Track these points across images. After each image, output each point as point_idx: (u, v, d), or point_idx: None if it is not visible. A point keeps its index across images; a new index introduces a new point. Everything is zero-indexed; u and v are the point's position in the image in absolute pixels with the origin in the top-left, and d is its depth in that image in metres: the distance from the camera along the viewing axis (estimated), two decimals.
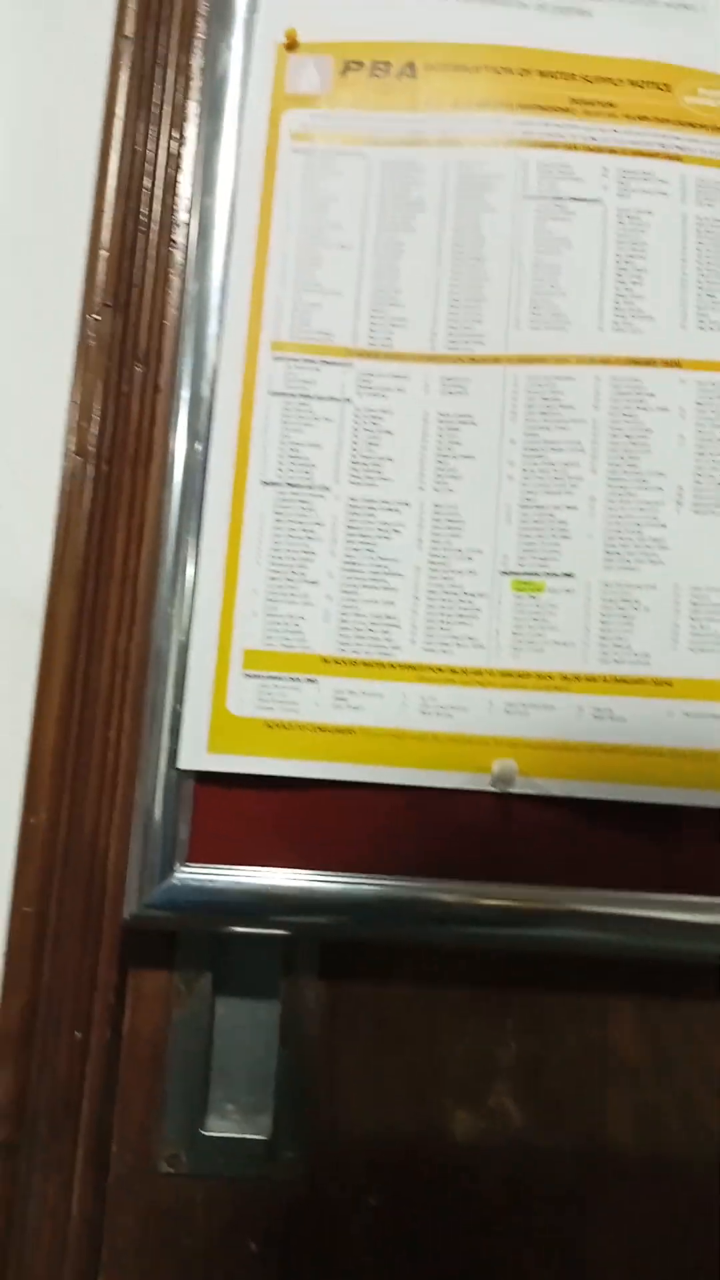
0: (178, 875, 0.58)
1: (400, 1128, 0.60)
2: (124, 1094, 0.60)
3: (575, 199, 0.65)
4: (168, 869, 0.58)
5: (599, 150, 0.65)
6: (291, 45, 0.66)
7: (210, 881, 0.58)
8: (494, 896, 0.59)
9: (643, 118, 0.65)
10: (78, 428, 0.65)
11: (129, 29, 0.69)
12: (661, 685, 0.60)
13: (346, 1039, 0.60)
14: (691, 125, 0.65)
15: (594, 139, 0.65)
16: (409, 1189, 0.59)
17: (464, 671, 0.60)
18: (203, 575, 0.61)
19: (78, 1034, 0.59)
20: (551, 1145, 0.59)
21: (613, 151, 0.65)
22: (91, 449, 0.65)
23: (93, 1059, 0.59)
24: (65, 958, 0.60)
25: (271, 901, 0.58)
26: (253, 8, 0.67)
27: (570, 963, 0.61)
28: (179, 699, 0.60)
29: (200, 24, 0.69)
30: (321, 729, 0.60)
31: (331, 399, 0.63)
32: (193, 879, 0.58)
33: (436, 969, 0.61)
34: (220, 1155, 0.59)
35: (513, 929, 0.59)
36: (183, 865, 0.59)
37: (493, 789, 0.59)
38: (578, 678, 0.60)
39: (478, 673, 0.60)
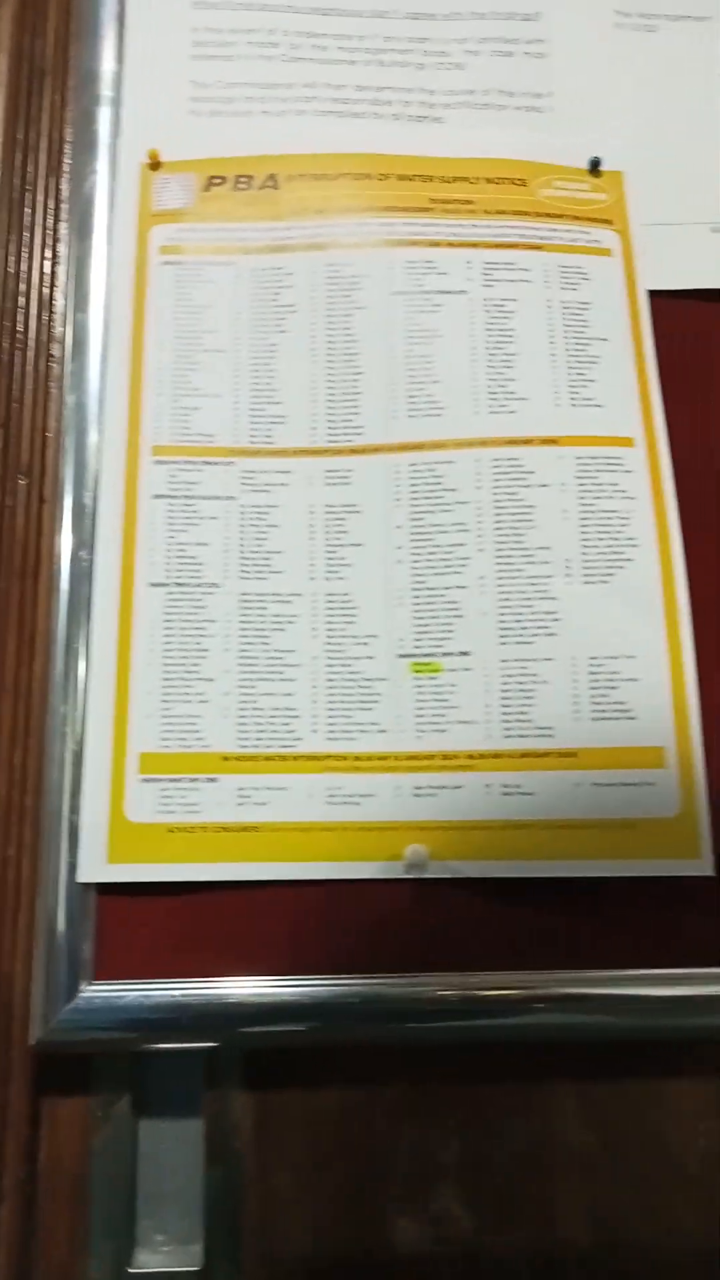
0: (84, 994, 0.56)
1: (341, 1243, 0.57)
2: (44, 1231, 0.56)
3: (441, 292, 0.67)
4: (74, 989, 0.56)
5: (461, 245, 0.68)
6: (155, 165, 0.69)
7: (119, 998, 0.56)
8: (420, 988, 0.57)
9: (501, 212, 0.68)
10: None
11: None
12: (567, 757, 0.60)
13: (278, 1153, 0.58)
14: (549, 215, 0.68)
15: (456, 235, 0.68)
16: None
17: (369, 758, 0.60)
18: (93, 681, 0.60)
19: None
20: (503, 1247, 0.57)
21: (474, 245, 0.68)
22: None
23: (7, 1197, 0.56)
24: None
25: (185, 1014, 0.56)
26: (115, 132, 0.69)
27: (508, 1051, 0.59)
28: (75, 810, 0.58)
29: (67, 150, 0.71)
30: (226, 829, 0.58)
31: (216, 498, 0.63)
32: (100, 997, 0.56)
33: (368, 1070, 0.59)
34: None
35: (442, 1021, 0.57)
36: (89, 983, 0.56)
37: (407, 876, 0.58)
38: (483, 755, 0.60)
39: (383, 758, 0.60)
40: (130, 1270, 0.56)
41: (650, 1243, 0.57)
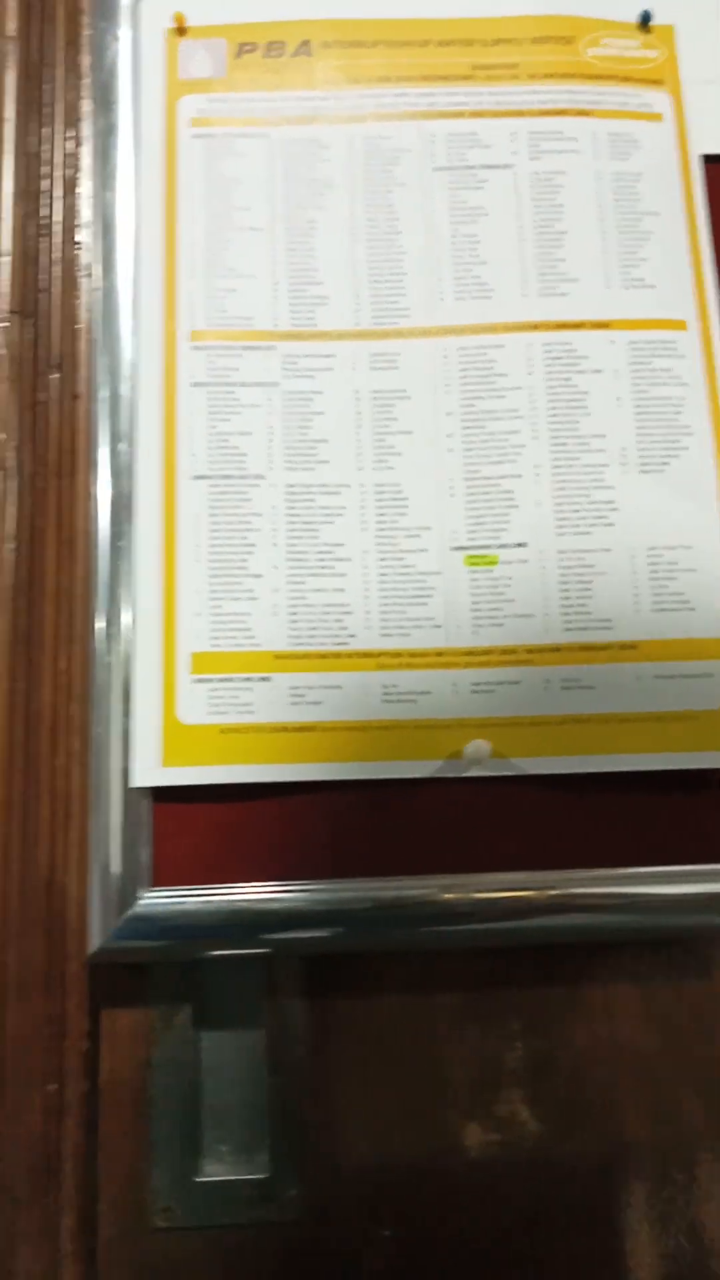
0: (142, 902, 0.54)
1: (407, 1149, 0.56)
2: (107, 1147, 0.55)
3: (486, 166, 0.63)
4: (131, 897, 0.54)
5: (505, 114, 0.64)
6: (181, 30, 0.64)
7: (178, 905, 0.54)
8: (483, 889, 0.55)
9: (548, 75, 0.64)
10: None
11: (11, 28, 0.66)
12: (628, 649, 0.58)
13: (340, 1059, 0.56)
14: (597, 77, 0.64)
15: (499, 103, 0.64)
16: (423, 1214, 0.55)
17: (424, 654, 0.57)
18: (139, 580, 0.57)
19: (51, 1087, 0.55)
20: (569, 1152, 0.56)
21: (519, 114, 0.64)
22: (12, 463, 0.61)
23: (70, 1112, 0.55)
24: (30, 1006, 0.55)
25: (246, 919, 0.54)
26: None
27: (568, 952, 0.58)
28: (127, 714, 0.56)
29: (85, 18, 0.67)
30: (280, 729, 0.56)
31: (257, 384, 0.60)
32: (159, 904, 0.54)
33: (428, 973, 0.57)
34: (216, 1202, 0.55)
35: (505, 922, 0.56)
36: (147, 891, 0.54)
37: (467, 774, 0.56)
38: (542, 649, 0.58)
39: (439, 654, 0.57)
40: (196, 1179, 0.55)
41: (716, 1142, 0.56)
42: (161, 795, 0.56)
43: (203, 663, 0.57)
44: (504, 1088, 0.56)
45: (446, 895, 0.55)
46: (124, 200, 0.62)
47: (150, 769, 0.55)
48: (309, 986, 0.57)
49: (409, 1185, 0.55)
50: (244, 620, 0.57)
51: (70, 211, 0.65)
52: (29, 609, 0.60)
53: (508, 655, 0.58)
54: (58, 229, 0.64)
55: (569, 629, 0.58)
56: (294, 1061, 0.56)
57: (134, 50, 0.64)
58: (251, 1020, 0.57)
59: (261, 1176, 0.55)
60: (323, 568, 0.58)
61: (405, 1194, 0.55)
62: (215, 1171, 0.55)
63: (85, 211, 0.65)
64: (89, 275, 0.64)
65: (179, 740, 0.56)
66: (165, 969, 0.56)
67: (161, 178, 0.62)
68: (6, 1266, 0.53)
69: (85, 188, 0.65)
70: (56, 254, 0.64)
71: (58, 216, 0.64)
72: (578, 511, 0.59)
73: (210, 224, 0.62)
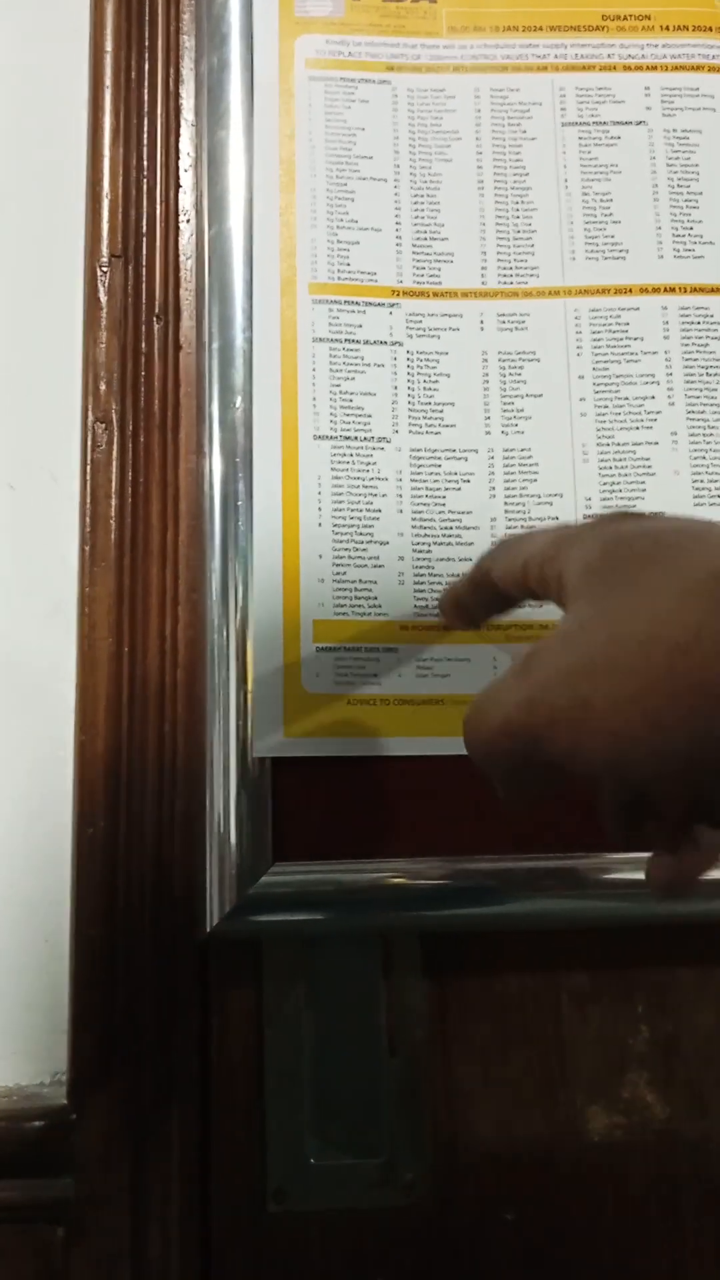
0: (266, 878, 0.52)
1: (528, 1132, 0.54)
2: (219, 1128, 0.53)
3: (618, 122, 0.61)
4: (253, 872, 0.52)
5: (638, 68, 0.61)
6: None
7: (302, 881, 0.52)
8: (611, 866, 0.53)
9: (682, 27, 0.62)
10: (96, 391, 0.58)
11: None
12: None
13: (459, 1040, 0.55)
14: None
15: (631, 56, 0.61)
16: (546, 1198, 0.53)
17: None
18: (258, 543, 0.55)
19: (161, 1066, 0.52)
20: (694, 1136, 0.54)
21: (653, 68, 0.61)
22: (114, 416, 0.58)
23: (180, 1092, 0.53)
24: (139, 982, 0.53)
25: (372, 897, 0.52)
26: None
27: (692, 931, 0.56)
28: (244, 680, 0.53)
29: None
30: (408, 701, 0.54)
31: (381, 343, 0.57)
32: (282, 880, 0.52)
33: (550, 953, 0.56)
34: (333, 1185, 0.53)
35: (628, 901, 0.54)
36: (269, 866, 0.52)
37: None
38: None
39: None
40: (312, 1162, 0.53)
41: None
42: (282, 766, 0.53)
43: (325, 631, 0.54)
44: (628, 1070, 0.55)
45: (576, 872, 0.53)
46: (236, 141, 0.59)
47: (273, 739, 0.53)
48: (428, 965, 0.55)
49: (531, 1169, 0.54)
50: (369, 589, 0.55)
51: (171, 153, 0.61)
52: (133, 569, 0.57)
53: None
54: (159, 170, 0.61)
55: None
56: (413, 1042, 0.54)
57: None
58: (368, 999, 0.55)
59: (379, 1160, 0.53)
60: (449, 536, 0.56)
61: (527, 1178, 0.53)
62: (330, 1154, 0.53)
63: (187, 152, 0.61)
64: (189, 220, 0.61)
65: (303, 710, 0.53)
66: (279, 946, 0.54)
67: (276, 120, 0.59)
68: (118, 1250, 0.51)
69: (189, 128, 0.62)
70: (159, 195, 0.61)
71: (159, 157, 0.61)
72: (716, 482, 0.57)
73: (331, 172, 0.59)
